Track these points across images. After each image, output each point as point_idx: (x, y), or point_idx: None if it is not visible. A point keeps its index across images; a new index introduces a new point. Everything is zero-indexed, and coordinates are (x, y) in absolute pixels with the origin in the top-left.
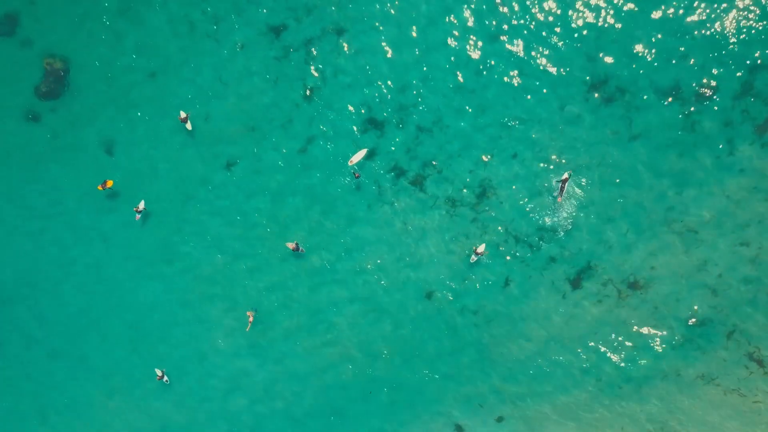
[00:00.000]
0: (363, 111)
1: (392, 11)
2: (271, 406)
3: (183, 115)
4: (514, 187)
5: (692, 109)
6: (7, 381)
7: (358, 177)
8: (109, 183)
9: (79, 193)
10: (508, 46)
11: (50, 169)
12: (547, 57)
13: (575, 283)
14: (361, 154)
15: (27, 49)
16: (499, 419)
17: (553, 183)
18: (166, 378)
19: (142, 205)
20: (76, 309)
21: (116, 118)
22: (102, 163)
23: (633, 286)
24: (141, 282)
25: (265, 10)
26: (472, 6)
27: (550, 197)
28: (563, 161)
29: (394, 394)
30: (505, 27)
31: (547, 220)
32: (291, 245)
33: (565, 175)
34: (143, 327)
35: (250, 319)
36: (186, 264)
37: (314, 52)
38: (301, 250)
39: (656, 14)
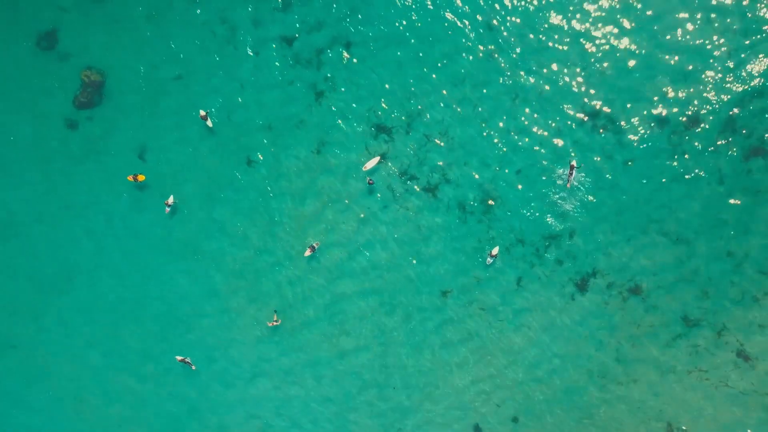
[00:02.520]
0: (372, 116)
1: (399, 27)
2: (291, 391)
3: (202, 113)
4: (519, 192)
5: (684, 138)
6: (47, 367)
7: (371, 183)
8: (141, 177)
9: (114, 193)
10: (509, 62)
11: (87, 171)
12: (547, 76)
13: (581, 286)
14: (375, 161)
15: (65, 63)
16: (515, 419)
17: (563, 171)
18: (194, 366)
19: (171, 200)
20: (111, 300)
21: (147, 125)
22: (135, 166)
23: (633, 290)
24: (171, 274)
25: (278, 22)
26: (474, 22)
27: (559, 190)
28: (565, 169)
29: (406, 386)
30: (503, 44)
31: (553, 223)
32: (307, 252)
33: (573, 163)
34: (173, 316)
35: (274, 323)
36: (212, 258)
37: (324, 61)
38: (317, 244)
39: (646, 56)
